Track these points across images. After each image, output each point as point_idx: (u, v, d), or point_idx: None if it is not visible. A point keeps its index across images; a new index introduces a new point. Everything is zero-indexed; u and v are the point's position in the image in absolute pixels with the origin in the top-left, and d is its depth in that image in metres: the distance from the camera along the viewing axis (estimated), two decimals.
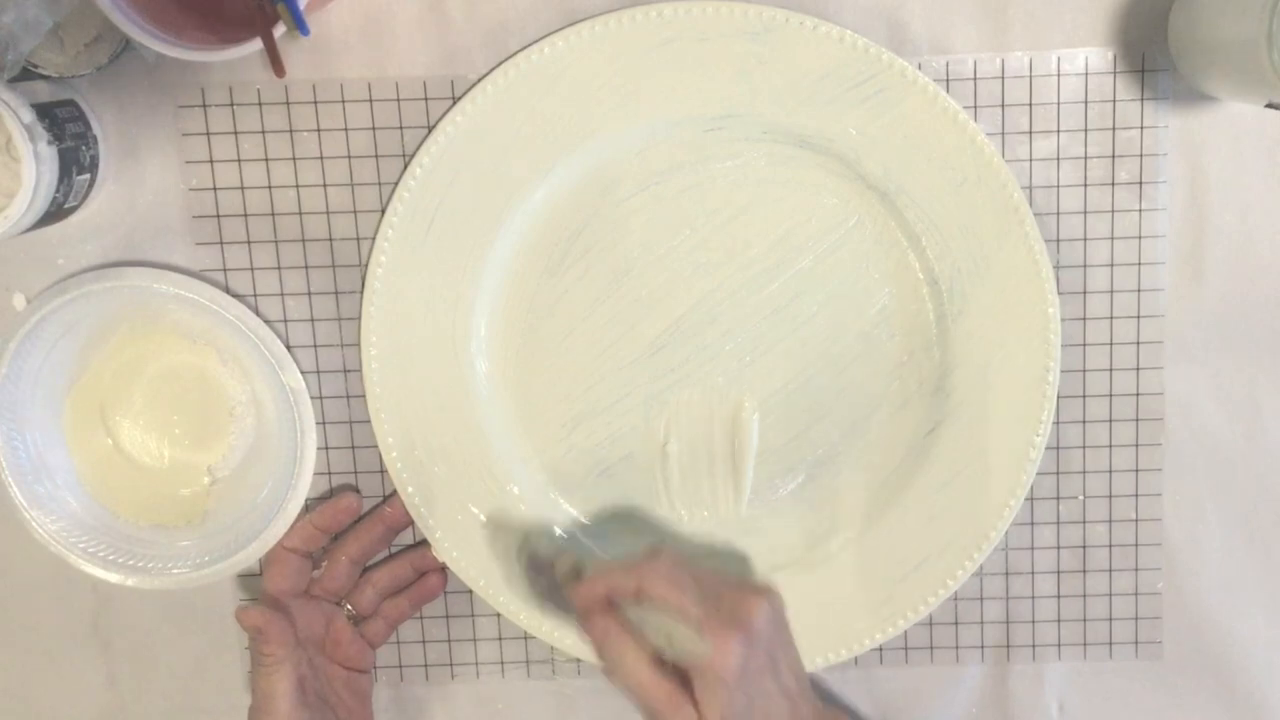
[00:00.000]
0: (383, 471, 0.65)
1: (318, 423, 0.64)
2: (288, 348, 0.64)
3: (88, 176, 0.60)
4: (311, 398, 0.64)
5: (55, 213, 0.59)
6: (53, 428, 0.65)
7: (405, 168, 0.62)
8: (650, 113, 0.61)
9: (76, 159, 0.59)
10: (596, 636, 0.56)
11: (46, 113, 0.58)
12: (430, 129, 0.61)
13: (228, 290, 0.63)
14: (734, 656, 0.53)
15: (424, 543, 0.65)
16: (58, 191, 0.58)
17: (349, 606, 0.65)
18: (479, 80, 0.61)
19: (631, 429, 0.64)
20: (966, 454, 0.63)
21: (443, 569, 0.65)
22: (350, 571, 0.65)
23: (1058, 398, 0.63)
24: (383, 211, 0.62)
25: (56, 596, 0.67)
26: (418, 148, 0.61)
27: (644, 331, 0.64)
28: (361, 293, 0.63)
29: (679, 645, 0.53)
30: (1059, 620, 0.66)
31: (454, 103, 0.61)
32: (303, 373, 0.64)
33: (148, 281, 0.62)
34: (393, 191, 0.62)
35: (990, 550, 0.63)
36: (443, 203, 0.62)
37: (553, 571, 0.62)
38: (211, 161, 0.62)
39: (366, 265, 0.63)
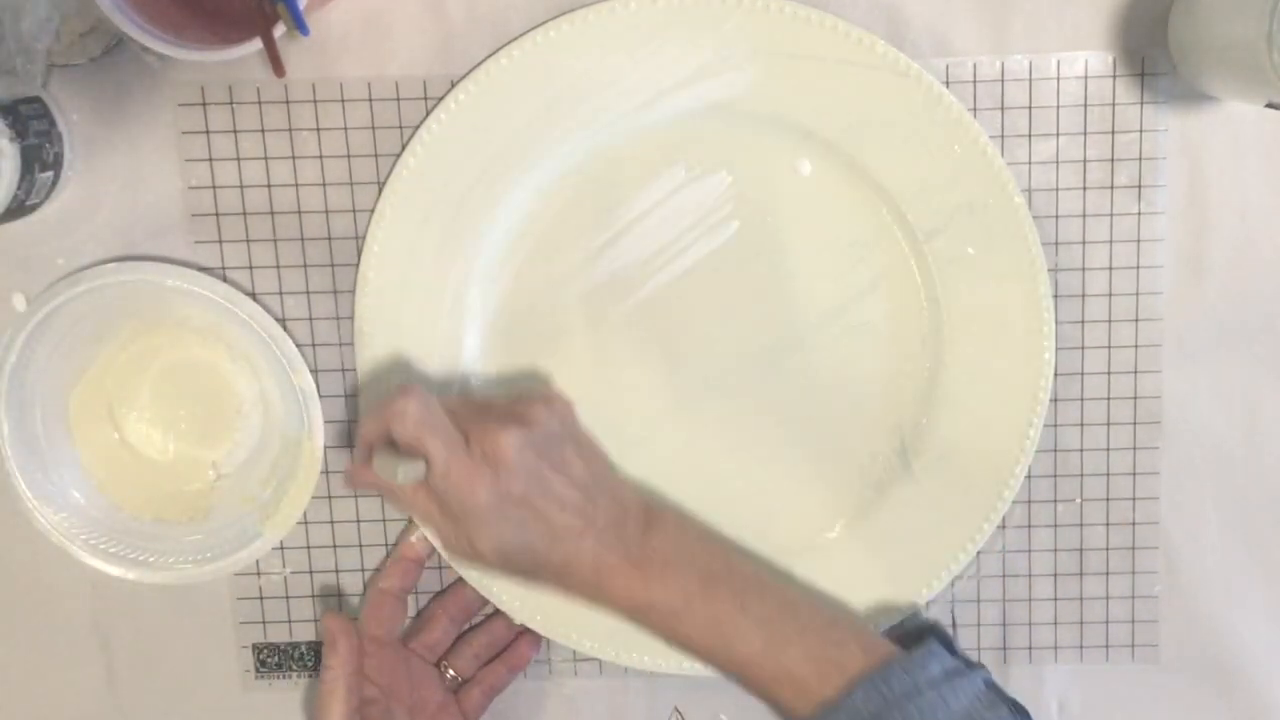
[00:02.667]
0: None
1: None
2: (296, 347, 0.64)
3: (51, 174, 0.60)
4: None
5: (16, 209, 0.59)
6: (59, 420, 0.65)
7: (395, 161, 0.61)
8: (645, 104, 0.61)
9: (40, 156, 0.59)
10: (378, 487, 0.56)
11: (10, 110, 0.58)
12: (417, 126, 0.61)
13: None
14: (482, 495, 0.53)
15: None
16: (19, 189, 0.58)
17: (450, 671, 0.65)
18: (471, 70, 0.61)
19: (630, 422, 0.64)
20: (959, 455, 0.63)
21: (534, 632, 0.65)
22: (447, 628, 0.65)
23: (1056, 401, 0.63)
24: (372, 211, 0.62)
25: (58, 591, 0.67)
26: (407, 142, 0.61)
27: (642, 324, 0.64)
28: (354, 291, 0.63)
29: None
30: (1056, 623, 0.66)
31: (438, 101, 0.61)
32: None
33: (160, 277, 0.62)
34: (384, 185, 0.62)
35: (980, 549, 0.64)
36: (435, 197, 0.62)
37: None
38: (211, 160, 0.63)
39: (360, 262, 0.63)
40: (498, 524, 0.54)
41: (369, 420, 0.56)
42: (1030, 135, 0.62)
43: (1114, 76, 0.61)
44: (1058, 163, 0.62)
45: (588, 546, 0.56)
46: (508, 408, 0.57)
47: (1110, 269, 0.63)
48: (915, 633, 0.56)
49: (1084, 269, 0.63)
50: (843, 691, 0.53)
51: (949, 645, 0.57)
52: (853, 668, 0.54)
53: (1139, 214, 0.62)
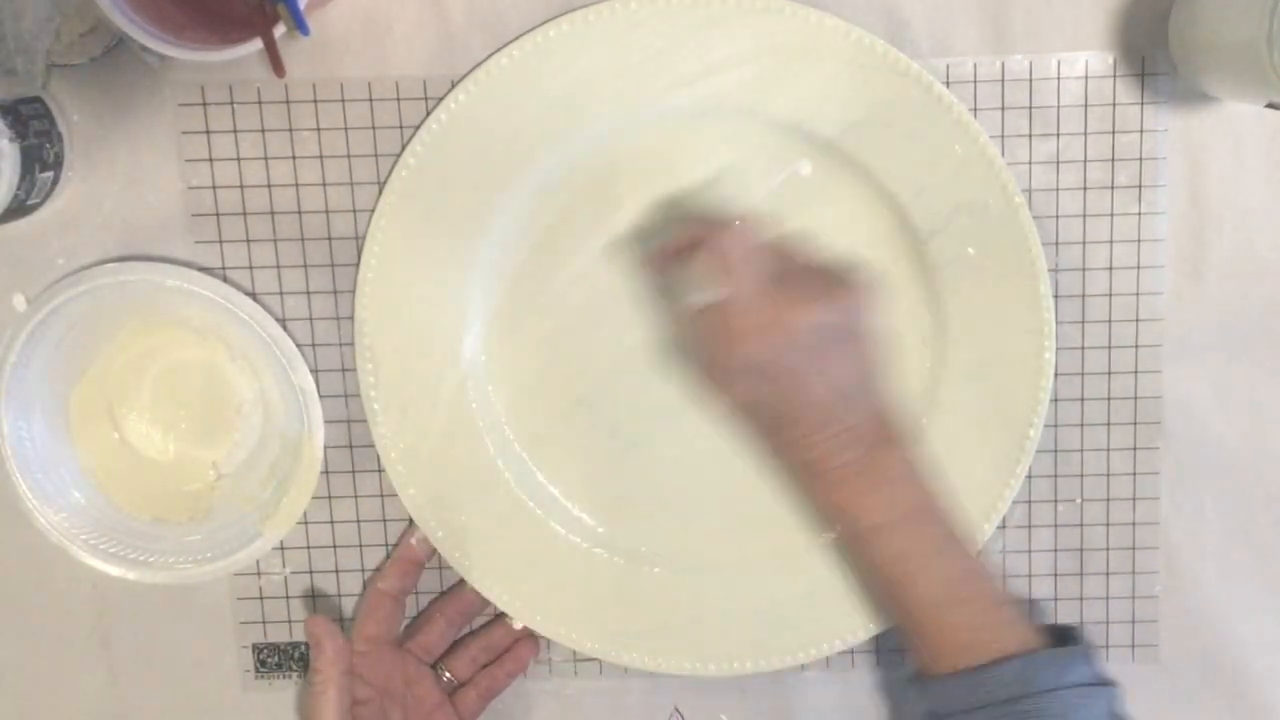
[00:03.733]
0: (380, 471, 0.65)
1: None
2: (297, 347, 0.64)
3: (51, 174, 0.60)
4: None
5: (17, 209, 0.59)
6: (59, 420, 0.65)
7: (396, 161, 0.62)
8: (645, 103, 0.61)
9: (40, 156, 0.59)
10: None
11: (10, 110, 0.58)
12: (417, 126, 0.61)
13: None
14: (755, 349, 0.55)
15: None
16: (19, 189, 0.58)
17: (447, 674, 0.65)
18: (471, 70, 0.61)
19: (631, 421, 0.64)
20: (959, 455, 0.63)
21: (532, 637, 0.66)
22: (444, 631, 0.65)
23: (1056, 401, 0.63)
24: (372, 211, 0.62)
25: (58, 592, 0.67)
26: (407, 142, 0.61)
27: (643, 324, 0.64)
28: (354, 291, 0.63)
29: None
30: (1055, 623, 0.66)
31: (438, 101, 0.61)
32: None
33: (160, 277, 0.62)
34: (384, 185, 0.62)
35: (980, 549, 0.64)
36: (435, 197, 0.62)
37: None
38: (211, 160, 0.63)
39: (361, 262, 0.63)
40: (753, 378, 0.56)
41: (682, 230, 0.58)
42: (1030, 135, 0.62)
43: (1114, 76, 0.61)
44: (1058, 163, 0.62)
45: (822, 438, 0.57)
46: (823, 277, 0.57)
47: (1110, 269, 0.63)
48: (1062, 634, 0.58)
49: (1084, 269, 0.63)
50: (991, 664, 0.55)
51: (1092, 655, 0.58)
52: (1008, 647, 0.56)
53: (1139, 214, 0.62)
